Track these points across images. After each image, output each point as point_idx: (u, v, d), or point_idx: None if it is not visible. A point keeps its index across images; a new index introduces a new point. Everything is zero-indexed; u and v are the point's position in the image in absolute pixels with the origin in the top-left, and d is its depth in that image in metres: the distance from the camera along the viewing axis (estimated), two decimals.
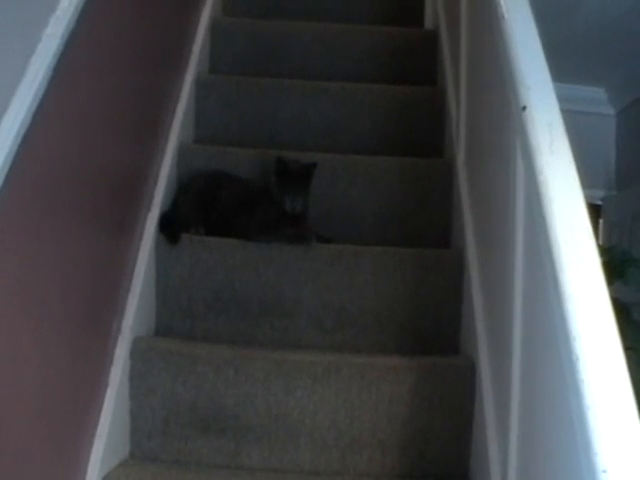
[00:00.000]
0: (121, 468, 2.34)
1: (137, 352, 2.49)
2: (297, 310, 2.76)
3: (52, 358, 1.94)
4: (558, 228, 1.58)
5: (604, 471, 1.23)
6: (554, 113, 1.82)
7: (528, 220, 1.86)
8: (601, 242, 5.68)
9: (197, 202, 2.97)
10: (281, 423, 2.43)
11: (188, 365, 2.46)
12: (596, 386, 1.32)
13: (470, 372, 2.43)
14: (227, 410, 2.44)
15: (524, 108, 1.84)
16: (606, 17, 5.12)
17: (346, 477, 2.41)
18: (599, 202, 6.11)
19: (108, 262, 2.39)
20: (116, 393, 2.35)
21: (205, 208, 2.95)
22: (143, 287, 2.61)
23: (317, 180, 2.97)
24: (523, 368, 1.90)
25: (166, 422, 2.46)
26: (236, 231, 2.86)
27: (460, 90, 3.07)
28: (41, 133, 1.78)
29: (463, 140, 3.00)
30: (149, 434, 2.46)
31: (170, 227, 2.83)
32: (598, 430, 1.28)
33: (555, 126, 1.78)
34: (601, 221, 6.12)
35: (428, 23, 4.23)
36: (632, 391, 1.32)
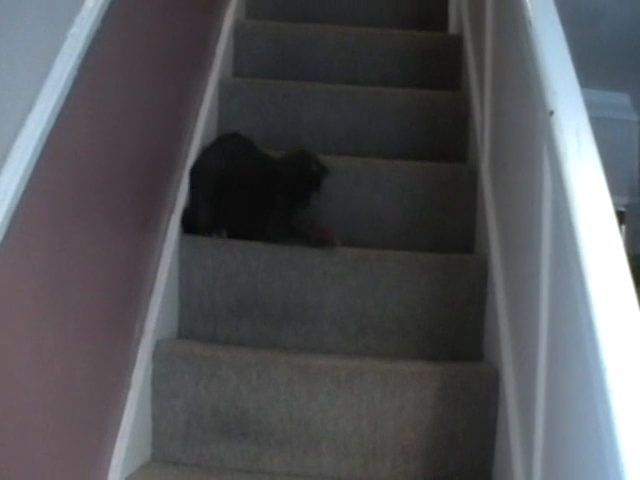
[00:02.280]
0: (143, 471, 2.34)
1: (159, 355, 2.49)
2: (320, 314, 2.74)
3: (75, 360, 1.94)
4: (585, 234, 1.56)
5: None
6: (582, 118, 1.80)
7: (554, 225, 1.84)
8: (624, 249, 5.64)
9: (213, 200, 2.91)
10: (303, 428, 2.42)
11: (210, 368, 2.46)
12: (624, 395, 1.31)
13: (494, 379, 2.42)
14: (249, 414, 2.44)
15: (551, 113, 1.83)
16: (631, 24, 5.10)
17: None
18: (622, 209, 6.08)
19: (131, 264, 2.39)
20: (138, 396, 2.35)
21: (221, 201, 2.92)
22: (166, 290, 2.61)
23: (341, 184, 2.97)
24: (548, 375, 1.89)
25: (188, 425, 2.45)
26: (253, 228, 2.86)
27: (484, 95, 3.06)
28: (66, 133, 1.78)
29: (487, 145, 2.98)
30: (171, 437, 2.46)
31: (192, 229, 2.84)
32: (626, 440, 1.26)
33: (583, 131, 1.76)
34: (624, 228, 6.09)
35: (452, 28, 4.22)
36: None
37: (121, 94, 2.21)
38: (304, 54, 3.82)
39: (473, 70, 3.45)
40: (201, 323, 2.78)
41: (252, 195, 2.88)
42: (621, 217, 6.08)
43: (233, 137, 3.04)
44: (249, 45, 3.84)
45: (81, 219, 1.93)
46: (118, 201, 2.22)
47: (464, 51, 3.72)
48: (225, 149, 2.99)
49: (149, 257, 2.55)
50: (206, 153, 3.00)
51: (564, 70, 1.93)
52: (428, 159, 3.34)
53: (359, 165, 3.16)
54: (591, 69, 4.74)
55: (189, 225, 2.86)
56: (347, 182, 3.09)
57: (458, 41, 3.87)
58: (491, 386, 2.41)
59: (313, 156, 2.91)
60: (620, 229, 6.14)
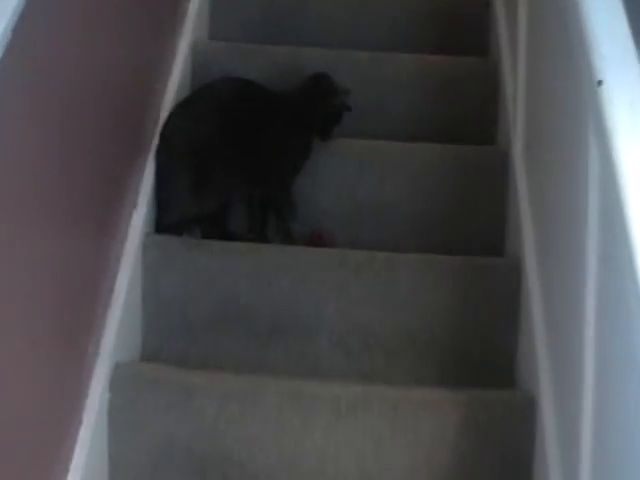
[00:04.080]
0: None
1: (119, 381, 2.47)
2: (317, 330, 2.74)
3: (10, 393, 1.91)
4: None
5: None
6: (637, 88, 1.80)
7: (603, 221, 1.84)
8: None
9: (194, 182, 2.84)
10: (296, 471, 2.41)
11: (182, 398, 2.45)
12: None
13: (529, 408, 2.41)
14: (230, 455, 2.42)
15: (600, 83, 1.82)
16: None
17: None
18: None
19: (82, 269, 2.36)
20: (91, 433, 2.30)
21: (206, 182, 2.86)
22: (127, 301, 2.60)
23: (341, 172, 2.96)
24: (596, 401, 1.88)
25: (154, 470, 2.43)
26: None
27: (518, 62, 3.06)
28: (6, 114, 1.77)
29: (521, 124, 2.98)
30: None
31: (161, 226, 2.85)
32: None
33: (638, 104, 1.76)
34: None
35: None
36: None
37: (70, 63, 2.19)
38: (296, 12, 3.81)
39: (504, 31, 3.45)
40: (171, 341, 2.77)
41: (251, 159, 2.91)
42: None
43: (215, 86, 3.08)
44: (228, 3, 3.83)
45: (24, 219, 1.92)
46: (68, 197, 2.21)
47: (493, 8, 3.71)
48: (204, 108, 2.96)
49: (105, 261, 2.53)
50: (175, 121, 2.94)
51: (616, 29, 1.92)
52: (449, 141, 3.34)
53: (364, 149, 3.16)
54: None
55: (159, 221, 2.85)
56: (349, 170, 3.09)
57: None
58: (526, 416, 2.41)
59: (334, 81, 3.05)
60: None
